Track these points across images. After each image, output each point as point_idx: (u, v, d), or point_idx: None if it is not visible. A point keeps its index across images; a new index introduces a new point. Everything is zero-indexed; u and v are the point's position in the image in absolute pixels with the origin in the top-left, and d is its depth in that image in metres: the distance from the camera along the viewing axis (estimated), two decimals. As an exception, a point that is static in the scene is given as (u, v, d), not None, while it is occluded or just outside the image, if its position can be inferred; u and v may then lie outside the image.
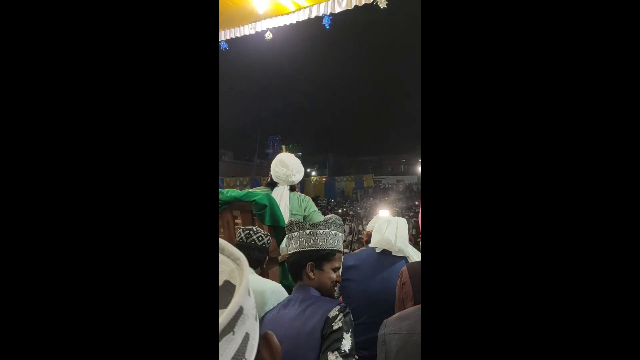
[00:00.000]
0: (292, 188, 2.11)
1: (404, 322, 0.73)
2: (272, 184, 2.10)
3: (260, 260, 1.51)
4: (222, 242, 0.47)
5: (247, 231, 1.53)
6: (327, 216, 1.25)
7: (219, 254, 0.46)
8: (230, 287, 0.41)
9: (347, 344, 0.95)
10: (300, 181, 2.18)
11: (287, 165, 2.06)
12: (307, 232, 1.17)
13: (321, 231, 1.17)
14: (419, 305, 0.76)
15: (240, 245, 1.46)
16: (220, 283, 0.42)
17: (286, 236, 1.23)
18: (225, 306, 0.38)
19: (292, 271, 1.18)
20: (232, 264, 0.44)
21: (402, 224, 1.78)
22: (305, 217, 2.04)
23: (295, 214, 2.00)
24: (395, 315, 0.79)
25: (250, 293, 0.41)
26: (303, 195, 2.15)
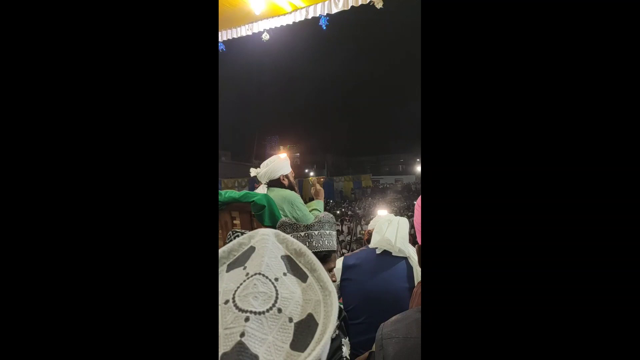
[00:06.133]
0: (278, 184, 2.08)
1: (400, 325, 0.73)
2: (271, 184, 2.10)
3: None
4: (315, 261, 0.43)
5: (237, 234, 1.53)
6: (320, 215, 1.23)
7: (309, 274, 0.42)
8: (312, 325, 0.37)
9: (346, 350, 0.95)
10: (299, 181, 2.17)
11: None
12: (302, 234, 1.15)
13: (316, 232, 1.15)
14: (416, 308, 0.76)
15: None
16: (304, 315, 0.37)
17: None
18: (302, 348, 0.35)
19: None
20: (319, 293, 0.40)
21: (403, 224, 1.78)
22: (296, 219, 1.99)
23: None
24: (392, 318, 0.79)
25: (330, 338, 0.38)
26: (291, 192, 2.05)
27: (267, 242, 0.43)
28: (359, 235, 6.62)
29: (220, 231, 2.01)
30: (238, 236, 1.50)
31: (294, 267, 0.43)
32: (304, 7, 2.71)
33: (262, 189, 2.08)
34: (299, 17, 2.74)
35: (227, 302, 0.38)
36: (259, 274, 0.39)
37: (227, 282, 0.40)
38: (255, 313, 0.36)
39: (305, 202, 2.10)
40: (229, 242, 1.54)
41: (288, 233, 1.17)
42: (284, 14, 2.80)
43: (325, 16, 2.60)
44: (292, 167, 2.17)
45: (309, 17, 2.69)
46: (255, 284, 0.38)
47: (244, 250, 0.44)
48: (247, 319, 0.35)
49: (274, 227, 1.87)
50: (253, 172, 2.15)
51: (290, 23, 2.80)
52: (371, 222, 2.09)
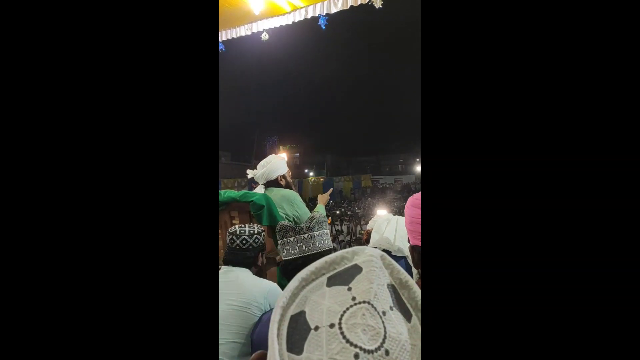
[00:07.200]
0: (276, 184, 2.07)
1: None
2: (269, 184, 2.10)
3: (252, 258, 1.47)
4: (421, 298, 0.39)
5: (230, 236, 1.48)
6: (313, 214, 1.24)
7: (413, 314, 0.38)
8: None
9: None
10: (298, 181, 2.17)
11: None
12: (305, 236, 1.16)
13: (317, 233, 1.16)
14: None
15: (231, 250, 1.44)
16: None
17: (279, 242, 1.21)
18: None
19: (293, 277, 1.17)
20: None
21: (402, 223, 1.78)
22: (296, 217, 1.99)
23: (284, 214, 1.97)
24: None
25: None
26: (289, 191, 2.07)
27: (375, 266, 0.39)
28: (358, 235, 6.62)
29: (220, 231, 2.01)
30: (232, 240, 1.46)
31: (399, 300, 0.39)
32: (303, 7, 2.71)
33: (259, 190, 2.08)
34: (298, 16, 2.74)
35: (332, 326, 0.34)
36: (368, 303, 0.35)
37: (331, 301, 0.37)
38: (364, 350, 0.33)
39: (305, 203, 2.10)
40: (231, 240, 1.48)
41: (290, 236, 1.17)
42: (283, 14, 2.81)
43: (324, 16, 2.61)
44: (291, 167, 2.17)
45: (308, 16, 2.70)
46: (363, 315, 0.35)
47: (346, 266, 0.40)
48: (356, 356, 0.32)
49: (272, 226, 1.87)
50: (250, 173, 2.15)
51: (290, 23, 2.81)
52: (370, 221, 2.08)
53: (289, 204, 1.97)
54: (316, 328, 0.35)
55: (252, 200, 1.85)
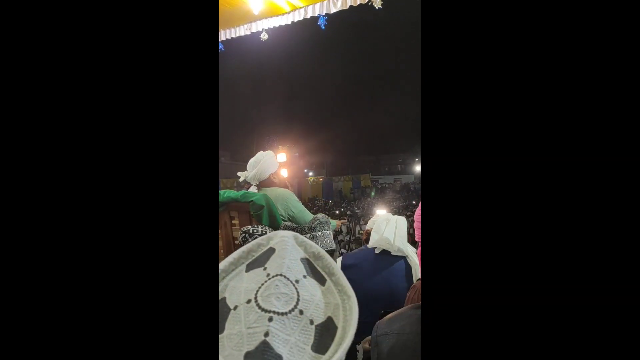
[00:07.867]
0: (268, 184, 2.05)
1: (394, 323, 0.74)
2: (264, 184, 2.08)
3: None
4: (333, 265, 0.44)
5: (243, 234, 1.47)
6: (317, 216, 1.24)
7: (327, 278, 0.43)
8: (332, 329, 0.38)
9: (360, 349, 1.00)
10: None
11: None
12: (307, 236, 1.17)
13: (319, 234, 1.17)
14: (409, 306, 0.78)
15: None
16: (324, 318, 0.38)
17: None
18: (323, 351, 0.36)
19: None
20: (338, 297, 0.41)
21: (402, 223, 1.78)
22: (291, 217, 1.98)
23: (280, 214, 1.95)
24: (387, 317, 0.80)
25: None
26: (284, 190, 2.03)
27: (287, 244, 0.44)
28: (357, 235, 6.63)
29: (219, 231, 2.01)
30: (244, 237, 1.46)
31: (313, 270, 0.44)
32: (302, 7, 2.71)
33: (253, 190, 2.06)
34: (298, 16, 2.75)
35: (249, 301, 0.38)
36: (280, 275, 0.40)
37: (248, 282, 0.41)
38: (278, 313, 0.37)
39: (304, 203, 2.08)
40: (243, 238, 1.48)
41: None
42: (283, 14, 2.81)
43: (324, 16, 2.61)
44: (291, 166, 2.14)
45: (308, 16, 2.70)
46: (277, 285, 0.39)
47: (263, 250, 0.45)
48: (270, 319, 0.36)
49: (272, 226, 1.87)
50: (242, 176, 2.11)
51: (289, 23, 2.81)
52: (369, 221, 2.08)
53: (283, 203, 1.94)
54: (235, 307, 0.38)
55: (251, 200, 1.84)
